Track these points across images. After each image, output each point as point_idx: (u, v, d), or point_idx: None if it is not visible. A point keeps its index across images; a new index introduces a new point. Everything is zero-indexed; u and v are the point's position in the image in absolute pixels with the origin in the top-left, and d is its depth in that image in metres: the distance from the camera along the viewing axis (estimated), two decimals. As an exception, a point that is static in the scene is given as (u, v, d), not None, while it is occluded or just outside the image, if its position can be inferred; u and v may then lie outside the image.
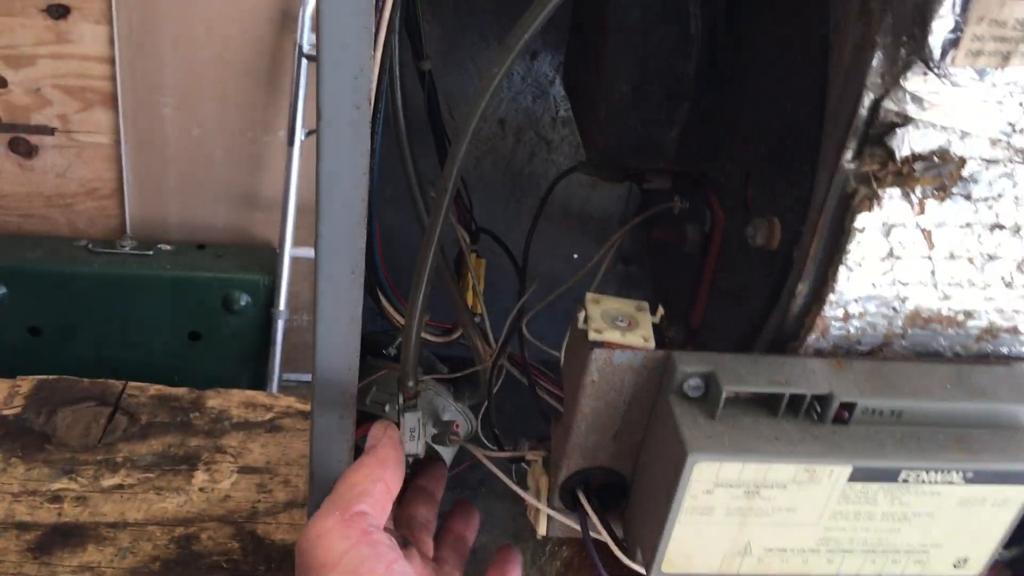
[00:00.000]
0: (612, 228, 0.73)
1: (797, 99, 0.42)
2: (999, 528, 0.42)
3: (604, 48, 0.49)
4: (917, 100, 0.36)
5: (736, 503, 0.40)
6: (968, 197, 0.39)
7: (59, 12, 1.49)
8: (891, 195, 0.38)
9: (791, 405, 0.40)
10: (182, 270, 1.58)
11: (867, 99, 0.37)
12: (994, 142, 0.37)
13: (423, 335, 0.56)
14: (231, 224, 1.68)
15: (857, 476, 0.40)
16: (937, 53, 0.33)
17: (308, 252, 1.52)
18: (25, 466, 0.72)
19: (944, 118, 0.36)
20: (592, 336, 0.42)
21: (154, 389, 0.80)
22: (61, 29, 1.50)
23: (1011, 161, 0.38)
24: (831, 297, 0.41)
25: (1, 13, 1.48)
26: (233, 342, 1.63)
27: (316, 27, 0.39)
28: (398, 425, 0.50)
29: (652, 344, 0.42)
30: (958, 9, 0.32)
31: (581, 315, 0.43)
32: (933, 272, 0.40)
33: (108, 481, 0.71)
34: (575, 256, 0.74)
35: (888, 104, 0.36)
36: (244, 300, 1.60)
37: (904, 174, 0.37)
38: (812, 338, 0.42)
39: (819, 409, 0.40)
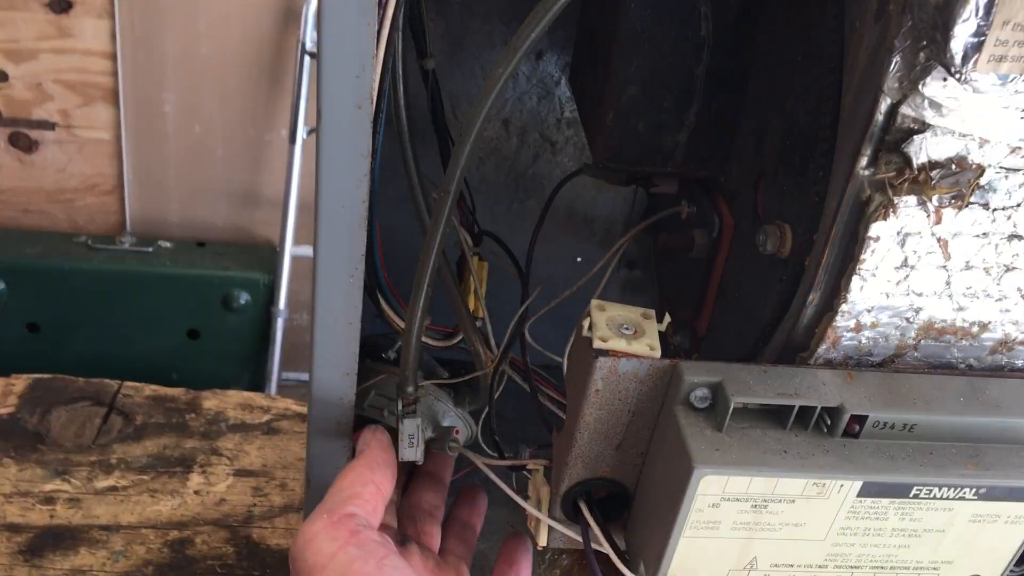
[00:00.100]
0: (617, 231, 0.73)
1: (810, 103, 0.41)
2: (1012, 545, 0.42)
3: (612, 49, 0.48)
4: (935, 106, 0.35)
5: (743, 517, 0.39)
6: (986, 206, 0.38)
7: (61, 6, 1.48)
8: (907, 203, 0.37)
9: (800, 417, 0.39)
10: (182, 267, 1.58)
11: (884, 104, 0.36)
12: (1013, 150, 0.36)
13: (424, 339, 0.56)
14: (232, 222, 1.67)
15: (867, 491, 0.39)
16: (959, 58, 0.32)
17: (309, 251, 1.50)
18: (18, 466, 0.71)
19: (963, 125, 0.35)
20: (597, 344, 0.41)
21: (150, 389, 0.79)
22: (63, 24, 1.50)
23: (1030, 170, 0.37)
24: (843, 307, 0.40)
25: (3, 7, 1.47)
26: (232, 340, 1.63)
27: (317, 24, 0.39)
28: (397, 431, 0.49)
29: (658, 353, 0.41)
30: (981, 13, 0.31)
31: (586, 322, 0.42)
32: (948, 282, 0.39)
33: (102, 483, 0.70)
34: (579, 259, 0.73)
35: (905, 110, 0.35)
36: (244, 298, 1.59)
37: (921, 182, 0.36)
38: (823, 348, 0.41)
39: (829, 422, 0.40)
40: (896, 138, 0.36)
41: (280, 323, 1.59)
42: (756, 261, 0.45)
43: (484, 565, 0.58)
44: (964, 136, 0.36)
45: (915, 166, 0.36)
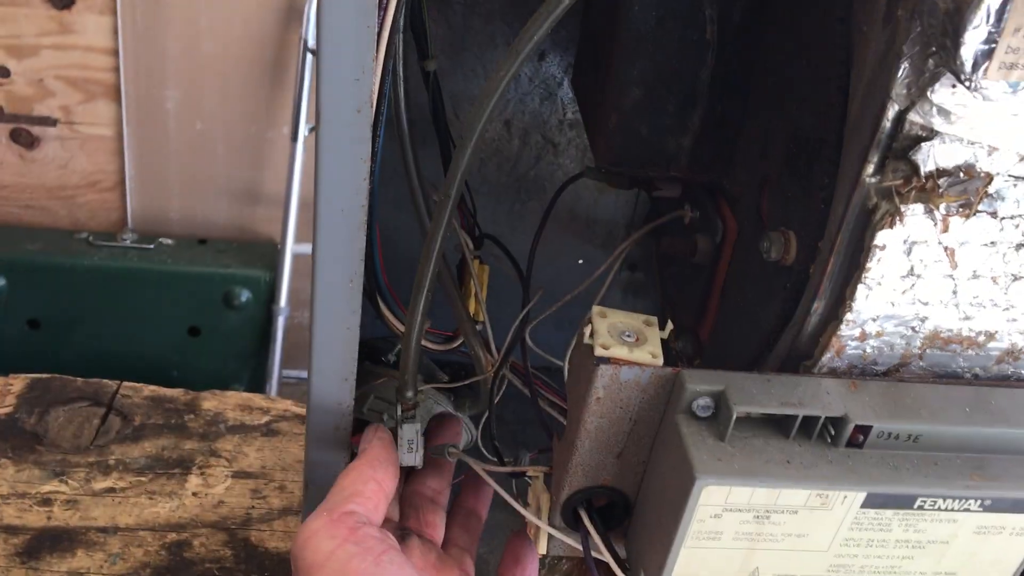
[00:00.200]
0: (619, 233, 0.72)
1: (816, 108, 0.40)
2: (1016, 557, 0.41)
3: (615, 51, 0.48)
4: (944, 113, 0.34)
5: (745, 528, 0.39)
6: (994, 215, 0.37)
7: (63, 2, 1.48)
8: (914, 212, 0.36)
9: (804, 427, 0.39)
10: (183, 265, 1.57)
11: (891, 111, 0.35)
12: (1023, 158, 0.36)
13: (424, 343, 0.55)
14: (233, 219, 1.67)
15: (871, 502, 0.38)
16: (969, 65, 0.31)
17: (310, 248, 1.50)
18: (15, 467, 0.70)
19: (972, 132, 0.35)
20: (598, 352, 0.40)
21: (148, 390, 0.79)
22: (65, 20, 1.49)
23: (1040, 178, 0.36)
24: (848, 316, 0.39)
25: (5, 3, 1.47)
26: (233, 338, 1.62)
27: (317, 27, 0.38)
28: (395, 436, 0.49)
29: (660, 361, 0.40)
30: (992, 20, 0.31)
31: (587, 329, 0.41)
32: (955, 291, 0.39)
33: (100, 484, 0.69)
34: (580, 262, 0.73)
35: (913, 116, 0.35)
36: (245, 296, 1.59)
37: (928, 190, 0.36)
38: (827, 357, 0.41)
39: (833, 432, 0.39)
40: (903, 145, 0.36)
41: (281, 321, 1.59)
42: (760, 268, 0.45)
43: (483, 570, 0.58)
44: (972, 144, 0.35)
45: (923, 174, 0.36)
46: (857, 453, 0.39)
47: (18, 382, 0.79)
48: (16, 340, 1.58)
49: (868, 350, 0.41)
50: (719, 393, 0.39)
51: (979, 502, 0.39)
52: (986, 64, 0.32)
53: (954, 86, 0.33)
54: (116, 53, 1.52)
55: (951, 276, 0.38)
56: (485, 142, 0.68)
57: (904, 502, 0.39)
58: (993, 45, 0.31)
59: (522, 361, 0.52)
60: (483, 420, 0.55)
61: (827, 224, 0.39)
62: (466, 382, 0.56)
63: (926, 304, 0.39)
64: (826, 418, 0.39)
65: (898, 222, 0.37)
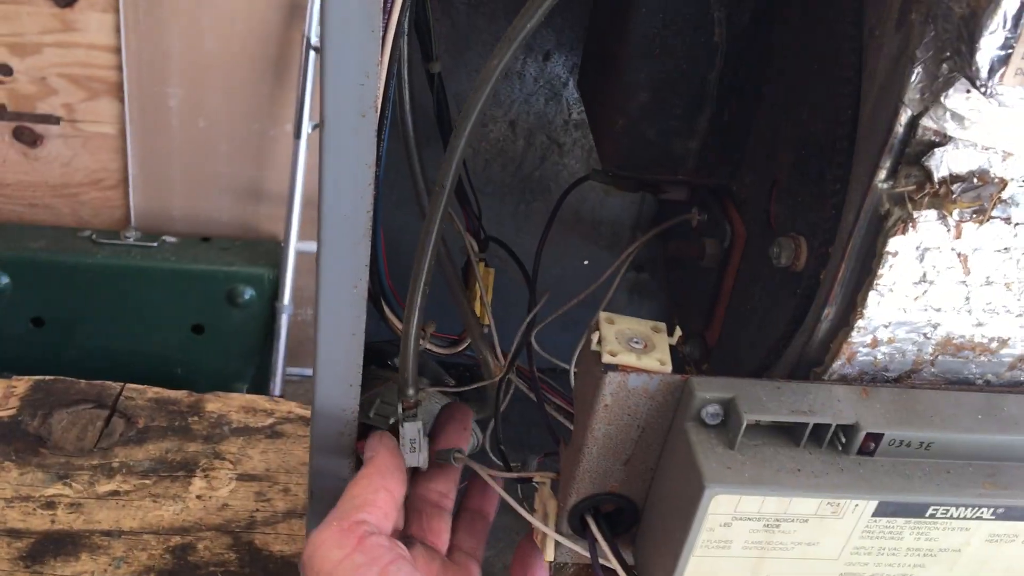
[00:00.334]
0: (625, 235, 0.72)
1: (827, 112, 0.40)
2: (1029, 565, 0.41)
3: (623, 54, 0.47)
4: (958, 118, 0.34)
5: (755, 536, 0.39)
6: (1007, 220, 0.37)
7: (66, 0, 1.47)
8: (926, 218, 0.36)
9: (814, 435, 0.39)
10: (186, 263, 1.57)
11: (904, 115, 0.35)
12: (1037, 163, 0.35)
13: (429, 347, 0.55)
14: (236, 217, 1.67)
15: (882, 511, 0.38)
16: (984, 71, 0.31)
17: (313, 246, 1.49)
18: (19, 470, 0.70)
19: (986, 137, 0.34)
20: (606, 359, 0.40)
21: (152, 391, 0.79)
22: (68, 17, 1.49)
23: (1054, 183, 0.36)
24: (859, 323, 0.39)
25: (7, 0, 1.46)
26: (237, 336, 1.62)
27: (321, 29, 0.38)
28: (397, 435, 0.49)
29: (669, 368, 0.40)
30: (1009, 25, 0.30)
31: (595, 336, 0.41)
32: (968, 298, 0.38)
33: (103, 487, 0.69)
34: (585, 262, 0.72)
35: (927, 122, 0.34)
36: (248, 294, 1.59)
37: (941, 196, 0.35)
38: (837, 364, 0.40)
39: (844, 439, 0.39)
40: (916, 150, 0.35)
41: (285, 318, 1.59)
42: (769, 273, 0.44)
43: (491, 573, 0.57)
44: (986, 149, 0.35)
45: (936, 180, 0.35)
46: (868, 461, 0.38)
47: (21, 384, 0.79)
48: (20, 338, 1.58)
49: (879, 357, 0.40)
50: (729, 401, 0.38)
51: (991, 510, 0.38)
52: (1002, 70, 0.31)
53: (968, 91, 0.33)
54: (119, 51, 1.51)
55: (964, 282, 0.38)
56: (490, 143, 0.67)
57: (916, 510, 0.38)
58: (1010, 51, 0.31)
59: (528, 366, 0.52)
60: (490, 426, 0.55)
61: (838, 229, 0.39)
62: (472, 386, 0.56)
63: (938, 310, 0.39)
64: (837, 426, 0.38)
65: (911, 228, 0.36)
